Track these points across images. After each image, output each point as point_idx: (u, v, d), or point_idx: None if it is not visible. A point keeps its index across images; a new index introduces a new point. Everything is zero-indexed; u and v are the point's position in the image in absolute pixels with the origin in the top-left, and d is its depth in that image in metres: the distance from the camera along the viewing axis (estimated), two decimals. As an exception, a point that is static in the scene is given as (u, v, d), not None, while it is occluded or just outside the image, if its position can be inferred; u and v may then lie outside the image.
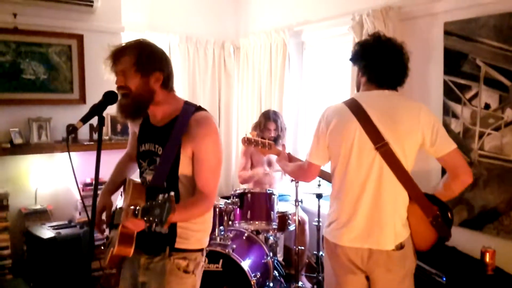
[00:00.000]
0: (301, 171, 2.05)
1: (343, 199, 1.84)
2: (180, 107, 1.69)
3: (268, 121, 3.58)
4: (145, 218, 1.34)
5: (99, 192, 1.60)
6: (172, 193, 1.35)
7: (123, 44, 1.63)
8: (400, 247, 1.78)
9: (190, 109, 1.68)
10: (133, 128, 1.88)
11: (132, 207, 1.43)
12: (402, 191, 1.78)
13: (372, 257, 1.79)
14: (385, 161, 1.75)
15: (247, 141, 2.40)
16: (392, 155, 1.74)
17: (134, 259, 1.72)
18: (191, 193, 1.66)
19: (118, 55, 1.58)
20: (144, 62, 1.58)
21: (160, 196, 1.34)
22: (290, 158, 2.30)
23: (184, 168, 1.64)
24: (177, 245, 1.67)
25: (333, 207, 1.90)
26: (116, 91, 1.59)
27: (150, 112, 1.71)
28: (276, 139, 3.52)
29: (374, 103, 1.81)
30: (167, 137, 1.63)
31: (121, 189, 1.86)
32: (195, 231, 1.70)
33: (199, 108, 1.70)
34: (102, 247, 1.81)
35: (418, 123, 1.76)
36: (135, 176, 1.84)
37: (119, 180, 1.86)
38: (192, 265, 1.69)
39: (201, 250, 1.74)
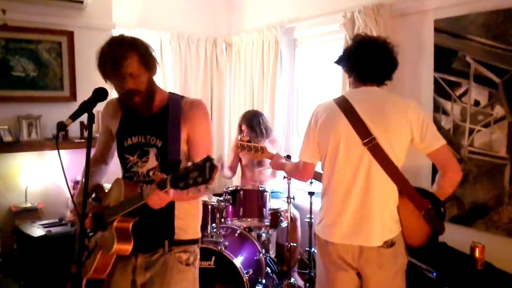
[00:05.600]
0: (296, 171, 2.06)
1: (332, 195, 1.85)
2: (166, 96, 1.73)
3: (242, 122, 3.66)
4: (180, 185, 1.33)
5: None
6: (221, 155, 1.37)
7: (119, 47, 1.56)
8: (391, 244, 1.78)
9: (177, 96, 1.74)
10: (107, 125, 1.82)
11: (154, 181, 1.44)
12: (391, 186, 1.78)
13: (363, 254, 1.79)
14: (373, 157, 1.75)
15: (240, 146, 2.46)
16: (381, 150, 1.74)
17: (126, 263, 1.69)
18: None
19: (121, 60, 1.54)
20: (148, 59, 1.60)
21: (190, 163, 1.33)
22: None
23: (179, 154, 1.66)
24: (176, 237, 1.67)
25: (323, 204, 1.91)
26: (126, 93, 1.59)
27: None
28: (252, 141, 3.55)
29: (362, 99, 1.82)
30: (163, 124, 1.64)
31: (93, 196, 1.80)
32: (191, 219, 1.73)
33: (183, 97, 1.76)
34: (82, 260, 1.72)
35: (406, 119, 1.76)
36: (114, 176, 1.77)
37: (92, 189, 1.81)
38: (192, 257, 1.71)
39: (197, 241, 1.76)
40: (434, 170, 1.89)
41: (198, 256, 1.77)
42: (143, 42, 1.63)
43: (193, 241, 1.74)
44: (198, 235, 1.78)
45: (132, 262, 1.69)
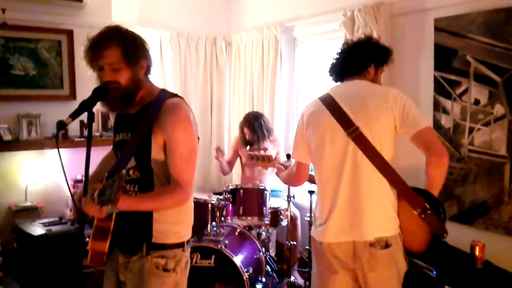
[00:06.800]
0: (291, 174, 2.06)
1: (322, 192, 1.83)
2: (154, 94, 1.64)
3: (243, 124, 3.67)
4: (98, 200, 1.33)
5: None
6: (123, 171, 1.34)
7: (102, 35, 1.54)
8: (386, 245, 1.72)
9: (164, 96, 1.63)
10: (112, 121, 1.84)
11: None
12: (380, 179, 1.73)
13: (356, 254, 1.75)
14: (358, 147, 1.72)
15: (249, 157, 2.54)
16: (365, 140, 1.71)
17: (114, 258, 1.68)
18: (165, 184, 1.62)
19: (102, 49, 1.51)
20: (131, 52, 1.53)
21: (115, 176, 1.33)
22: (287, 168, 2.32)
23: (156, 158, 1.59)
24: (154, 240, 1.62)
25: (316, 203, 1.91)
26: (104, 86, 1.54)
27: None
28: (251, 143, 3.59)
29: (343, 91, 1.85)
30: (137, 125, 1.59)
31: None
32: (172, 224, 1.65)
33: (174, 96, 1.66)
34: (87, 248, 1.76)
35: (386, 105, 1.73)
36: None
37: (101, 175, 1.79)
38: (172, 262, 1.64)
39: (181, 245, 1.68)
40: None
41: (184, 261, 1.68)
42: (133, 36, 1.58)
43: (174, 246, 1.65)
44: (182, 239, 1.68)
45: (115, 259, 1.69)
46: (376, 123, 1.73)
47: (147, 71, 1.64)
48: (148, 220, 1.62)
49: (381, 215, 1.74)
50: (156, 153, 1.59)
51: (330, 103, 1.81)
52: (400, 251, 1.77)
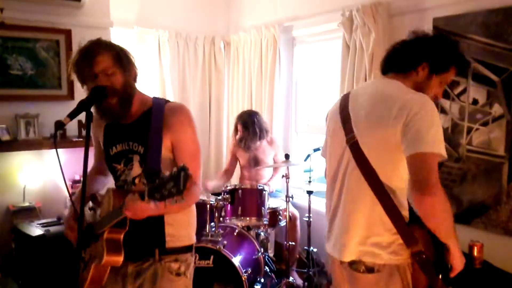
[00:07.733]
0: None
1: (326, 198, 1.73)
2: (149, 101, 1.68)
3: (237, 121, 3.69)
4: (156, 196, 1.29)
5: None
6: (183, 164, 1.28)
7: (91, 45, 1.56)
8: (368, 270, 1.50)
9: (161, 101, 1.68)
10: (95, 136, 1.77)
11: (134, 193, 1.41)
12: (370, 196, 1.49)
13: (343, 271, 1.60)
14: (353, 157, 1.52)
15: None
16: (359, 150, 1.50)
17: (117, 271, 1.67)
18: None
19: (94, 56, 1.52)
20: (122, 58, 1.57)
21: (167, 173, 1.29)
22: None
23: (165, 161, 1.61)
24: (168, 245, 1.64)
25: None
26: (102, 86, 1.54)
27: None
28: (245, 140, 3.59)
29: (360, 92, 1.67)
30: (145, 130, 1.60)
31: (89, 205, 1.80)
32: (182, 226, 1.68)
33: (168, 101, 1.71)
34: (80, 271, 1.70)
35: (389, 115, 1.44)
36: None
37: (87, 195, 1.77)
38: (184, 266, 1.67)
39: (190, 248, 1.72)
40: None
41: (192, 265, 1.72)
42: (119, 45, 1.62)
43: (186, 249, 1.69)
44: (192, 241, 1.73)
45: (122, 270, 1.67)
46: (372, 134, 1.49)
47: (135, 79, 1.66)
48: (160, 224, 1.63)
49: (364, 236, 1.51)
50: (165, 156, 1.61)
51: (342, 104, 1.65)
52: (397, 284, 1.50)
